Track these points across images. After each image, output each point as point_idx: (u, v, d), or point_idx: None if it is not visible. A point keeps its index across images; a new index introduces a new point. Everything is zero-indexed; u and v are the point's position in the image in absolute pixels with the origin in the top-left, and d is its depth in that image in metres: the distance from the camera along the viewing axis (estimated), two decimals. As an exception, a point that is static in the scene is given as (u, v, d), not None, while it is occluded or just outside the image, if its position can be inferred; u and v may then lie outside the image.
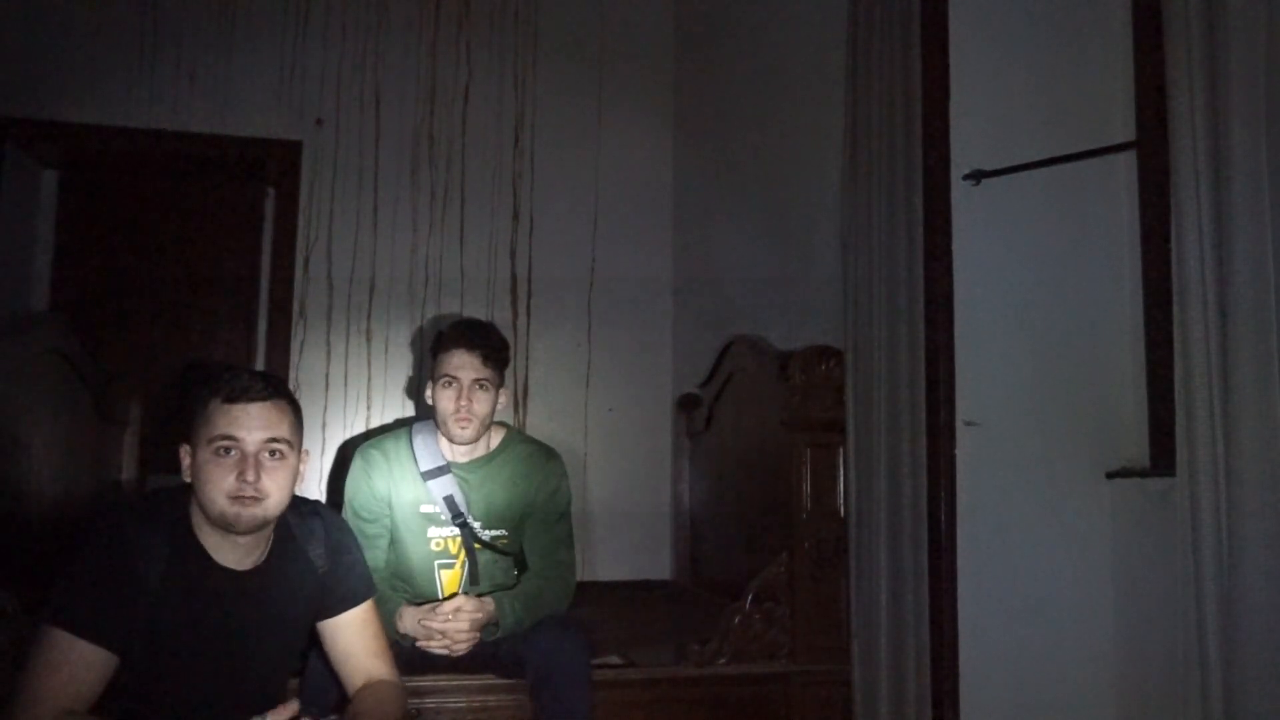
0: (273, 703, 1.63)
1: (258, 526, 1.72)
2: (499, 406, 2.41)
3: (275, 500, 1.71)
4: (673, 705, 2.47)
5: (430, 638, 2.24)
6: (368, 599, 1.94)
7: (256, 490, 1.68)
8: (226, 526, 1.70)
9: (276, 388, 1.76)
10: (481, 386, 2.34)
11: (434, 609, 2.26)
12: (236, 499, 1.67)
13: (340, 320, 3.81)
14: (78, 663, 1.59)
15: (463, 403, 2.32)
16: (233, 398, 1.69)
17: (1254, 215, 1.65)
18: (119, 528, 1.70)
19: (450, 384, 2.33)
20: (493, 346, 2.36)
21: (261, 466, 1.69)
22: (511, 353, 2.48)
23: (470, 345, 2.33)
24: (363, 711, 1.80)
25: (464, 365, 2.32)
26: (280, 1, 3.86)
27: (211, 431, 1.69)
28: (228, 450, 1.68)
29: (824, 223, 2.83)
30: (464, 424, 2.34)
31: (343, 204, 3.85)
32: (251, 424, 1.69)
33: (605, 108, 4.12)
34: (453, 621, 2.22)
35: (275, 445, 1.71)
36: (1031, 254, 2.42)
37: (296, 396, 1.83)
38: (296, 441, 1.76)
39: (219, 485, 1.67)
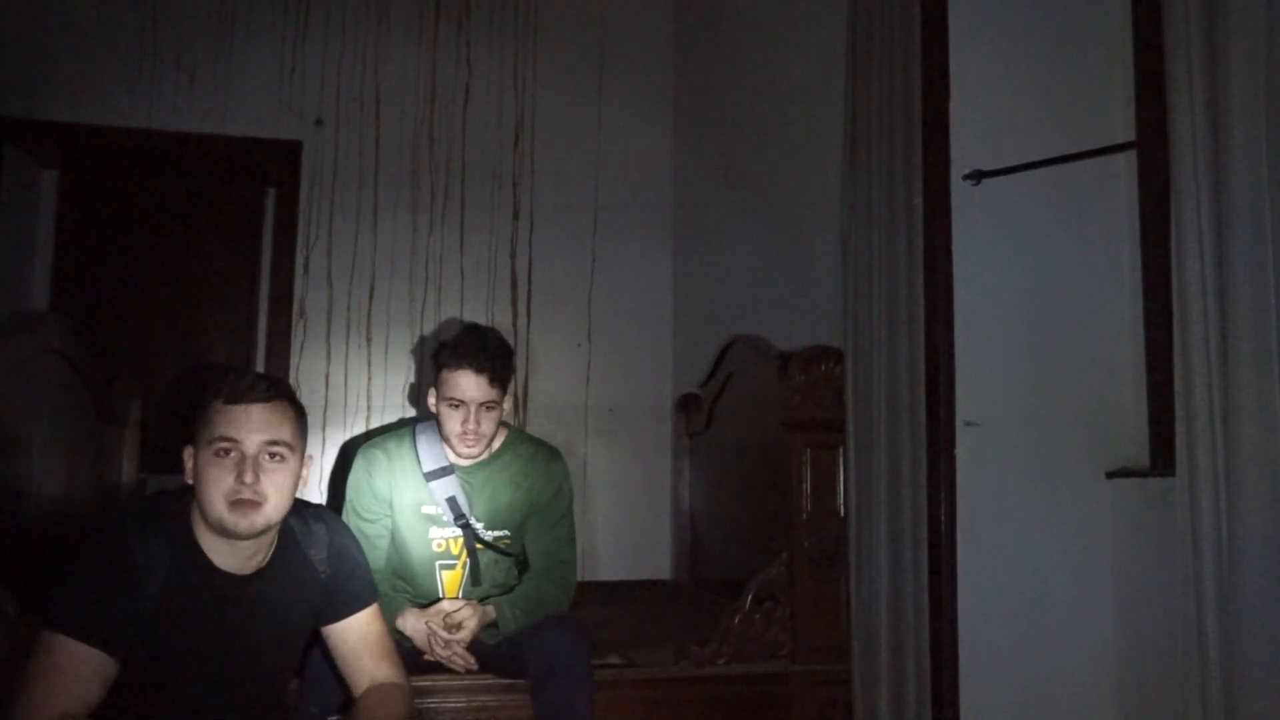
0: (274, 706, 1.62)
1: (257, 533, 1.71)
2: (503, 413, 2.41)
3: (274, 504, 1.71)
4: (673, 705, 2.47)
5: (431, 646, 2.24)
6: (371, 603, 1.93)
7: (255, 493, 1.67)
8: (225, 532, 1.69)
9: (278, 389, 1.74)
10: (488, 408, 2.33)
11: (435, 616, 2.26)
12: (235, 504, 1.66)
13: (340, 320, 3.81)
14: (79, 667, 1.58)
15: (470, 425, 2.31)
16: (233, 399, 1.68)
17: (1254, 215, 1.65)
18: (120, 532, 1.69)
19: (457, 406, 2.31)
20: (500, 365, 2.32)
21: (261, 468, 1.68)
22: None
23: (478, 368, 2.29)
24: (366, 714, 1.80)
25: (471, 388, 2.29)
26: (280, 1, 3.86)
27: (212, 433, 1.68)
28: (227, 452, 1.68)
29: (824, 223, 2.82)
30: (471, 444, 2.34)
31: (343, 204, 3.85)
32: (251, 425, 1.68)
33: (605, 108, 4.12)
34: (456, 635, 2.23)
35: (275, 448, 1.70)
36: (1031, 254, 2.42)
37: (297, 397, 1.82)
38: (298, 445, 1.75)
39: (218, 487, 1.66)
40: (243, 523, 1.68)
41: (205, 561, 1.73)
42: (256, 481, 1.67)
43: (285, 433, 1.72)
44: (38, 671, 1.58)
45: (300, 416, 1.77)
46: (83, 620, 1.61)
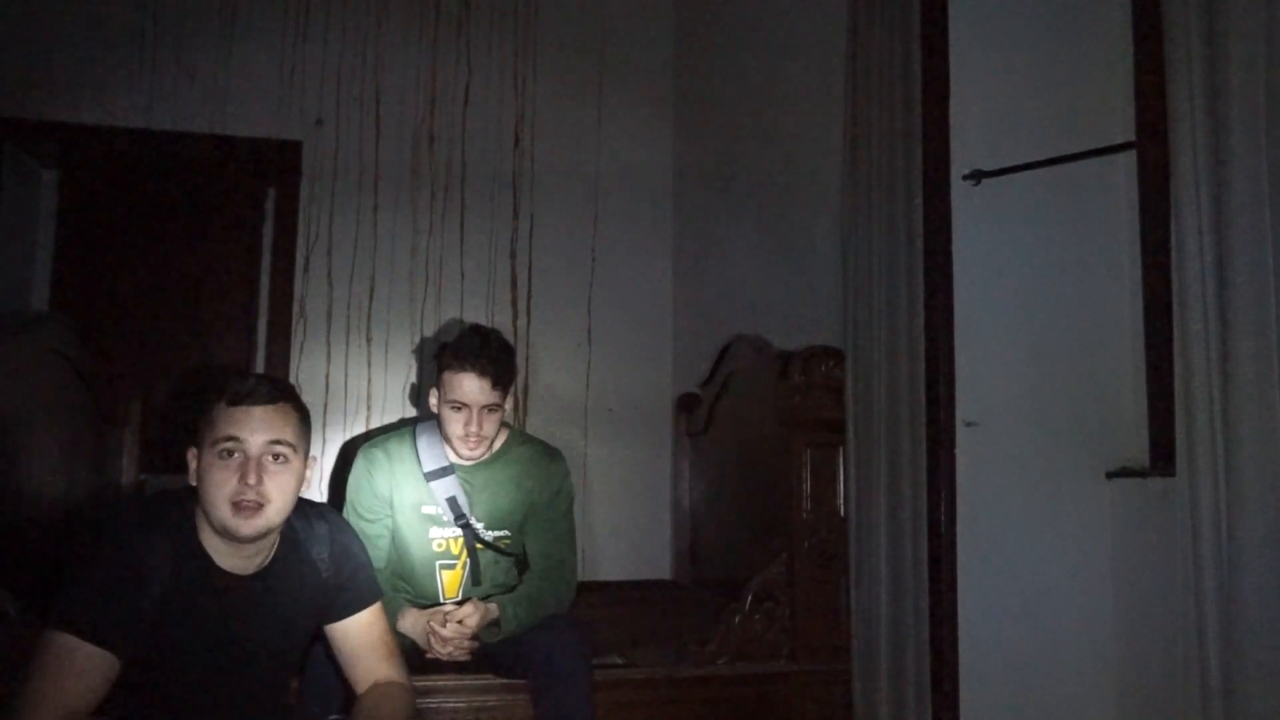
0: (276, 705, 1.62)
1: (259, 535, 1.72)
2: (504, 414, 2.41)
3: (277, 506, 1.71)
4: (673, 705, 2.47)
5: (431, 644, 2.24)
6: (374, 602, 1.93)
7: (258, 494, 1.67)
8: (228, 534, 1.70)
9: (282, 391, 1.75)
10: (490, 410, 2.33)
11: (437, 614, 2.26)
12: (237, 506, 1.67)
13: (340, 320, 3.81)
14: (82, 665, 1.59)
15: (472, 428, 2.31)
16: (237, 400, 1.69)
17: (1254, 215, 1.65)
18: (124, 532, 1.70)
19: (460, 408, 2.31)
20: (503, 368, 2.33)
21: (264, 469, 1.68)
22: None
23: (481, 371, 2.29)
24: (368, 713, 1.80)
25: (474, 391, 2.30)
26: (280, 1, 3.86)
27: (215, 434, 1.69)
28: (230, 453, 1.68)
29: (824, 223, 2.82)
30: (473, 446, 2.34)
31: (343, 204, 3.85)
32: (254, 426, 1.68)
33: (605, 108, 4.12)
34: (456, 629, 2.23)
35: (278, 448, 1.70)
36: (1031, 254, 2.42)
37: (300, 398, 1.82)
38: (302, 446, 1.75)
39: (221, 488, 1.67)
40: (245, 526, 1.68)
41: (208, 561, 1.73)
42: (260, 483, 1.68)
43: (288, 433, 1.72)
44: (41, 669, 1.59)
45: (304, 418, 1.78)
46: (86, 619, 1.61)
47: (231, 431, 1.68)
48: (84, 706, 1.58)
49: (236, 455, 1.68)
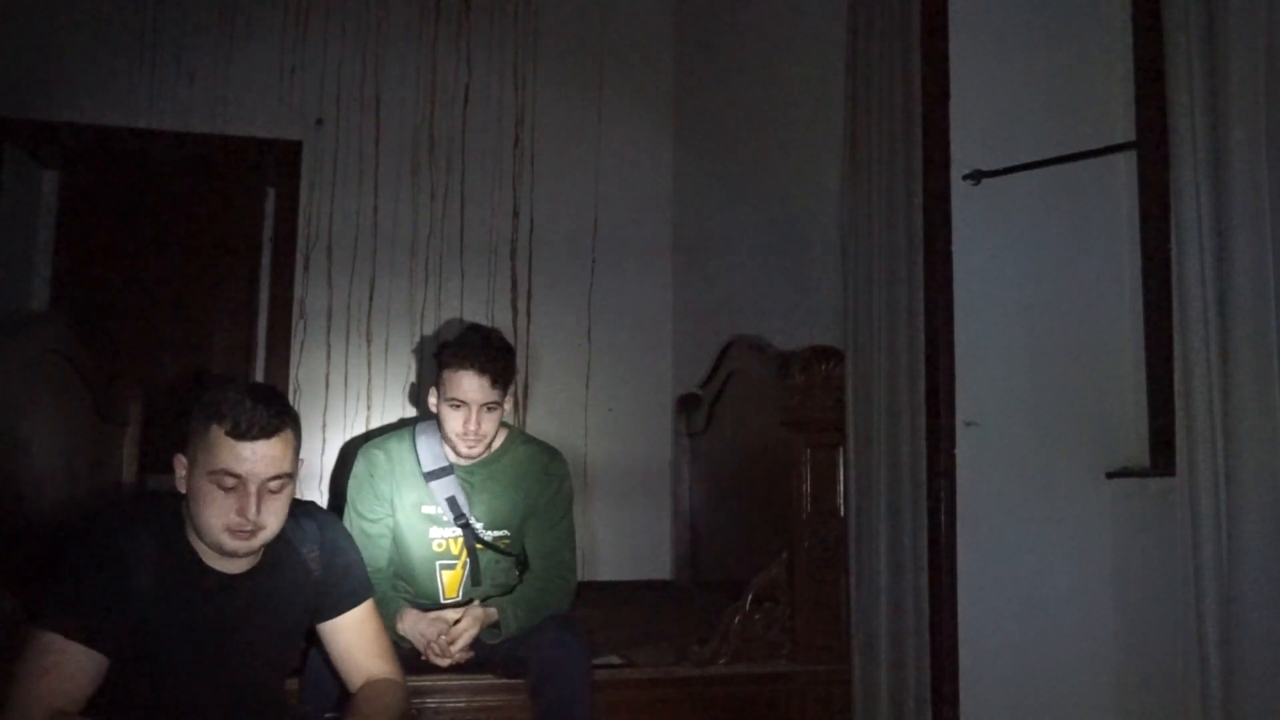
0: (269, 705, 1.61)
1: (253, 552, 1.72)
2: (504, 413, 2.41)
3: (271, 529, 1.71)
4: (673, 705, 2.47)
5: (428, 647, 2.24)
6: (366, 600, 1.92)
7: (255, 523, 1.67)
8: (221, 552, 1.70)
9: (281, 416, 1.70)
10: (490, 408, 2.33)
11: (433, 627, 2.26)
12: (232, 531, 1.66)
13: (340, 320, 3.81)
14: (69, 665, 1.59)
15: (471, 426, 2.30)
16: (239, 434, 1.64)
17: (1254, 215, 1.65)
18: (110, 531, 1.69)
19: (459, 407, 2.31)
20: (502, 366, 2.32)
21: (262, 500, 1.68)
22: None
23: (480, 369, 2.28)
24: (360, 710, 1.80)
25: (473, 389, 2.29)
26: (280, 1, 3.87)
27: (213, 463, 1.65)
28: (230, 486, 1.66)
29: (824, 223, 2.83)
30: (472, 445, 2.33)
31: (343, 204, 3.85)
32: (257, 462, 1.66)
33: (605, 108, 4.12)
34: (446, 646, 2.23)
35: (278, 480, 1.69)
36: (1031, 254, 2.42)
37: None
38: (296, 465, 1.74)
39: (217, 516, 1.66)
40: (241, 548, 1.69)
41: (196, 560, 1.73)
42: (259, 514, 1.67)
43: (288, 463, 1.70)
44: (26, 669, 1.59)
45: (298, 434, 1.75)
46: (71, 618, 1.61)
47: (233, 467, 1.65)
48: (71, 706, 1.58)
49: (235, 487, 1.66)
